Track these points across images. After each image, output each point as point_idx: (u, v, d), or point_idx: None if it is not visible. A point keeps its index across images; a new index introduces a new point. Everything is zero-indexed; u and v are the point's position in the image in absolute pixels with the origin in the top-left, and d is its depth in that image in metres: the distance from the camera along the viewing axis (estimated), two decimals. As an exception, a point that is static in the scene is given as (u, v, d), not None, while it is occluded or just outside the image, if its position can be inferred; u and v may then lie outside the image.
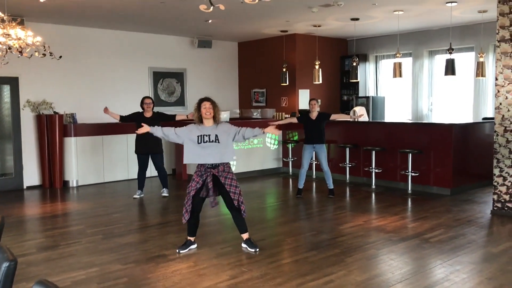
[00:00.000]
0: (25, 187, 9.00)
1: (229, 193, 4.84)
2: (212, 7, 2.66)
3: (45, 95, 9.09)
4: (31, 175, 9.09)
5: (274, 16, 8.88)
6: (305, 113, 7.71)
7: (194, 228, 5.00)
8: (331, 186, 7.76)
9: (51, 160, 8.98)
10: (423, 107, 10.76)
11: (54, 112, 9.01)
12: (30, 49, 5.85)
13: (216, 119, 4.88)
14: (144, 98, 7.80)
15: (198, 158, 4.81)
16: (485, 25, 9.11)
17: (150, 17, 8.64)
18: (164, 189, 7.99)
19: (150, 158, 7.88)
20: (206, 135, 4.79)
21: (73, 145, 9.05)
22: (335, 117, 7.91)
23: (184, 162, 4.92)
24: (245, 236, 5.01)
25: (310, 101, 7.63)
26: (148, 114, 7.69)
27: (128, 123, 7.92)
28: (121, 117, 7.81)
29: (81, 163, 9.15)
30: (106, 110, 7.75)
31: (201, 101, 4.88)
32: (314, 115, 7.55)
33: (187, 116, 7.93)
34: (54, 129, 8.89)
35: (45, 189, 8.92)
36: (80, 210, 7.17)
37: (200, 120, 4.87)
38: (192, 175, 4.96)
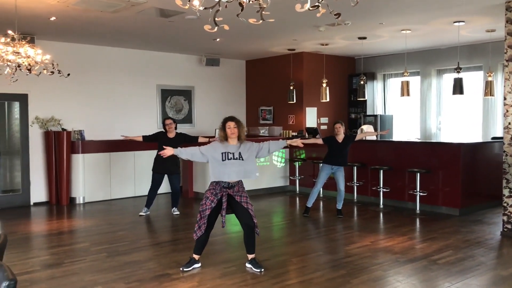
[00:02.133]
0: (32, 203, 9.02)
1: (247, 210, 4.81)
2: (216, 27, 2.67)
3: (54, 112, 9.17)
4: (38, 192, 9.11)
5: (282, 35, 8.94)
6: (331, 136, 7.61)
7: (203, 246, 4.95)
8: (340, 206, 7.70)
9: (58, 177, 9.01)
10: (432, 126, 10.69)
11: (62, 128, 9.07)
12: (39, 66, 5.92)
13: (241, 138, 4.85)
14: (164, 119, 7.87)
15: (223, 176, 4.78)
16: (493, 44, 9.09)
17: (159, 35, 8.73)
18: (175, 208, 7.97)
19: (166, 178, 7.87)
20: (230, 153, 4.77)
21: (80, 161, 9.08)
22: (361, 136, 7.83)
23: (212, 180, 4.86)
24: (250, 256, 4.96)
25: (335, 124, 7.53)
26: (171, 135, 7.71)
27: (152, 142, 7.92)
28: (144, 137, 7.88)
29: (88, 180, 9.17)
30: (125, 137, 7.88)
31: (225, 120, 4.86)
32: (340, 138, 7.46)
33: (209, 140, 7.97)
34: (62, 146, 8.94)
35: (51, 206, 8.93)
36: (85, 227, 7.16)
37: (225, 138, 4.86)
38: (200, 192, 4.94)
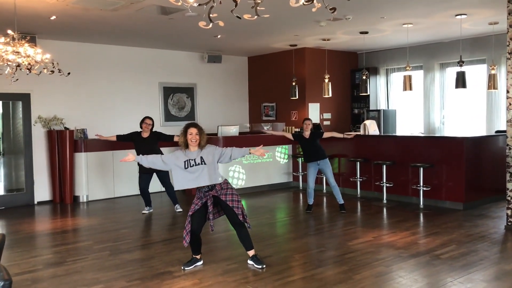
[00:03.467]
0: (36, 202, 9.05)
1: (232, 208, 4.80)
2: (211, 24, 2.65)
3: (56, 111, 9.19)
4: (42, 191, 9.15)
5: (283, 31, 8.90)
6: (299, 133, 7.81)
7: (197, 247, 4.96)
8: (341, 201, 7.68)
9: (61, 176, 9.04)
10: (435, 120, 10.64)
11: (65, 127, 9.09)
12: (39, 66, 5.92)
13: (200, 145, 4.83)
14: (145, 118, 7.73)
15: (188, 183, 4.80)
16: (496, 37, 9.00)
17: (160, 33, 8.71)
18: (177, 205, 7.96)
19: (156, 176, 7.80)
20: (192, 159, 4.77)
21: (83, 160, 9.10)
22: (328, 135, 7.86)
23: (176, 189, 4.92)
24: (251, 252, 4.95)
25: (304, 120, 7.65)
26: (145, 134, 7.65)
27: (126, 142, 7.85)
28: (118, 136, 7.85)
29: (91, 178, 9.19)
30: (100, 137, 7.85)
31: (187, 127, 4.84)
32: (307, 134, 7.61)
33: None
34: (64, 145, 8.96)
35: (55, 204, 8.96)
36: (88, 226, 7.17)
37: (186, 145, 4.84)
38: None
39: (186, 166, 4.76)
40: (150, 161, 4.97)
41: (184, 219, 7.39)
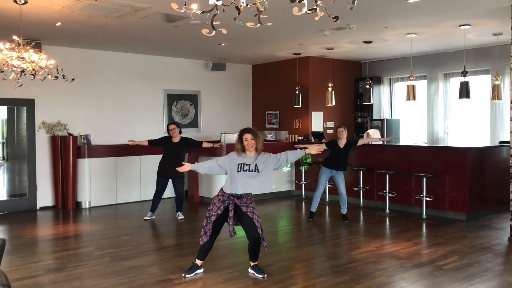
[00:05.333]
0: (38, 207, 9.05)
1: (252, 219, 4.77)
2: (214, 31, 2.66)
3: (60, 117, 9.22)
4: (45, 196, 9.15)
5: (287, 39, 8.92)
6: (333, 140, 7.61)
7: (207, 251, 4.93)
8: (345, 211, 7.65)
9: (64, 181, 9.05)
10: (439, 130, 10.61)
11: (69, 133, 9.11)
12: (43, 71, 5.95)
13: (258, 149, 4.80)
14: (168, 124, 7.92)
15: (238, 188, 4.73)
16: (501, 47, 9.00)
17: (164, 40, 8.75)
18: (179, 212, 7.96)
19: (170, 181, 7.88)
20: (246, 164, 4.74)
21: (86, 166, 9.11)
22: (363, 142, 7.77)
23: (225, 191, 4.80)
24: (253, 262, 4.93)
25: (337, 128, 7.52)
26: (175, 140, 7.76)
27: (157, 146, 8.03)
28: (149, 141, 8.00)
29: (94, 184, 9.19)
30: (132, 142, 8.02)
31: (242, 133, 4.80)
32: (342, 142, 7.44)
33: (213, 145, 8.03)
34: (68, 150, 8.98)
35: (58, 210, 8.96)
36: (90, 232, 7.17)
37: (242, 150, 4.81)
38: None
39: (239, 170, 4.72)
40: (207, 167, 4.92)
41: (186, 227, 7.41)
